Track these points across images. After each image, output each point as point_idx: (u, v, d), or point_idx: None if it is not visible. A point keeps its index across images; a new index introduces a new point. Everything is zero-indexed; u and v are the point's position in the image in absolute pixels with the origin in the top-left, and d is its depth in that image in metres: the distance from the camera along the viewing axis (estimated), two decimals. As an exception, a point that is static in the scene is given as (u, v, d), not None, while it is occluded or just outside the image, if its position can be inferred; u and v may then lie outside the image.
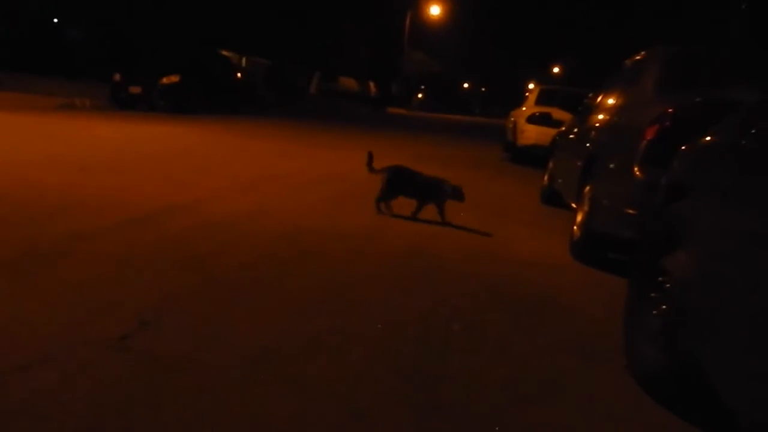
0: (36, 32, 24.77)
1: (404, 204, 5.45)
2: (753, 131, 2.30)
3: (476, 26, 63.59)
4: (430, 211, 5.43)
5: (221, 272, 3.38)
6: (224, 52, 22.02)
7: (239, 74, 21.34)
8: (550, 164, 7.90)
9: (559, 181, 6.89)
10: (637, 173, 4.02)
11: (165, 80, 14.74)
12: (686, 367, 2.29)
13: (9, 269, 3.05)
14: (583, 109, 6.73)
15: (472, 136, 23.16)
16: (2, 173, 5.36)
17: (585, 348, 3.02)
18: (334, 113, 26.67)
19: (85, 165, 6.18)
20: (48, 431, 1.80)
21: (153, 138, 9.86)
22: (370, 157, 5.34)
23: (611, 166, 4.58)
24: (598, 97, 6.33)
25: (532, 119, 11.94)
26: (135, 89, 14.57)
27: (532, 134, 12.33)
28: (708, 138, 2.76)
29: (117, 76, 14.62)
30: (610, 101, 5.67)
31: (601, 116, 5.64)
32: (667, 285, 2.61)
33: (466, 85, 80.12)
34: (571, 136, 6.76)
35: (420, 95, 58.08)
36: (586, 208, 4.86)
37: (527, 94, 19.25)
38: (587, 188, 4.98)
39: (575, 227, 5.10)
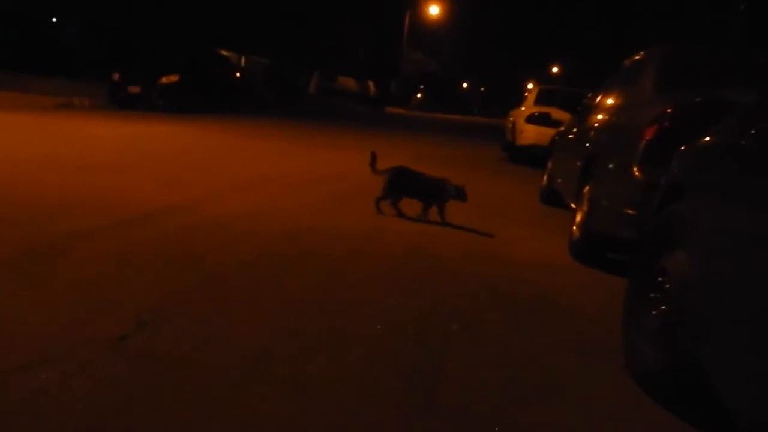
0: (34, 31, 24.74)
1: (404, 204, 5.45)
2: (752, 132, 2.30)
3: (475, 26, 63.58)
4: (430, 212, 5.43)
5: (221, 272, 3.39)
6: (223, 52, 22.00)
7: (238, 74, 21.34)
8: (549, 164, 7.91)
9: (559, 181, 6.90)
10: (636, 173, 4.03)
11: (164, 80, 14.72)
12: (685, 367, 2.29)
13: (8, 269, 3.05)
14: (582, 109, 6.74)
15: (471, 135, 23.17)
16: (1, 172, 5.36)
17: (584, 348, 3.02)
18: (333, 113, 26.66)
19: (85, 164, 6.17)
20: (47, 431, 1.80)
21: (152, 137, 9.86)
22: (373, 157, 5.34)
23: (610, 166, 4.59)
24: (597, 97, 6.33)
25: (531, 119, 11.96)
26: (134, 89, 14.55)
27: (531, 134, 12.34)
28: (707, 138, 2.76)
29: (116, 76, 14.60)
30: (609, 101, 5.68)
31: (600, 116, 5.64)
32: (667, 285, 2.61)
33: (465, 85, 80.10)
34: (570, 136, 6.77)
35: (419, 95, 58.02)
36: (585, 208, 4.87)
37: (526, 94, 19.26)
38: (586, 188, 4.99)
39: (574, 227, 5.11)
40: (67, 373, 2.09)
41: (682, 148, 3.00)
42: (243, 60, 29.82)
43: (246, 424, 1.95)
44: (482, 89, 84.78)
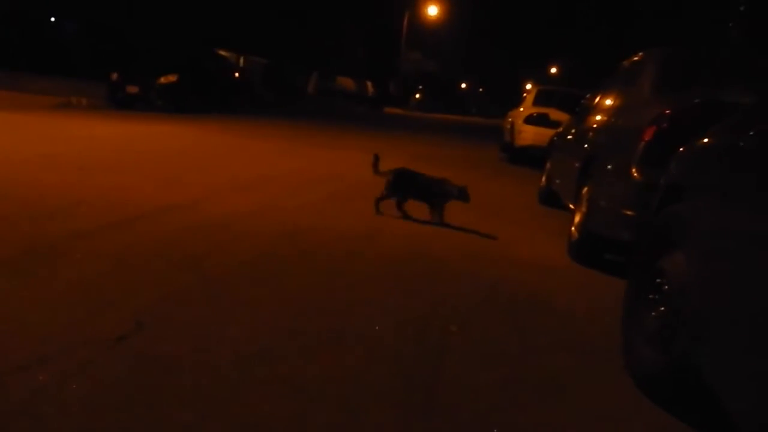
0: (33, 31, 24.72)
1: (405, 205, 5.45)
2: (751, 133, 2.30)
3: (474, 26, 63.61)
4: (427, 212, 5.43)
5: (220, 272, 3.38)
6: (222, 52, 21.99)
7: (237, 74, 21.33)
8: (548, 165, 7.91)
9: (557, 181, 6.90)
10: (635, 174, 4.03)
11: (163, 80, 14.71)
12: (684, 368, 2.30)
13: (7, 268, 3.05)
14: (581, 110, 6.74)
15: (470, 136, 23.18)
16: (1, 172, 5.35)
17: (583, 349, 3.03)
18: (332, 113, 26.66)
19: (84, 164, 6.17)
20: (46, 431, 1.80)
21: (151, 137, 9.85)
22: (376, 159, 5.34)
23: (609, 167, 4.59)
24: (595, 98, 6.34)
25: (529, 120, 11.97)
26: (132, 89, 14.53)
27: (529, 135, 12.35)
28: (706, 139, 2.77)
29: (114, 76, 14.58)
30: (608, 102, 5.68)
31: (598, 117, 5.65)
32: (665, 286, 2.62)
33: (463, 86, 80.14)
34: (569, 136, 6.77)
35: (417, 95, 58.06)
36: (583, 209, 4.87)
37: (525, 94, 19.28)
38: (585, 189, 4.99)
39: (573, 228, 5.11)
40: (66, 373, 2.08)
41: (681, 149, 3.00)
42: (242, 60, 29.79)
43: (245, 424, 1.95)
44: (481, 89, 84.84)
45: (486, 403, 2.31)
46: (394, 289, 3.51)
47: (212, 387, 2.13)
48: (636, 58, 5.55)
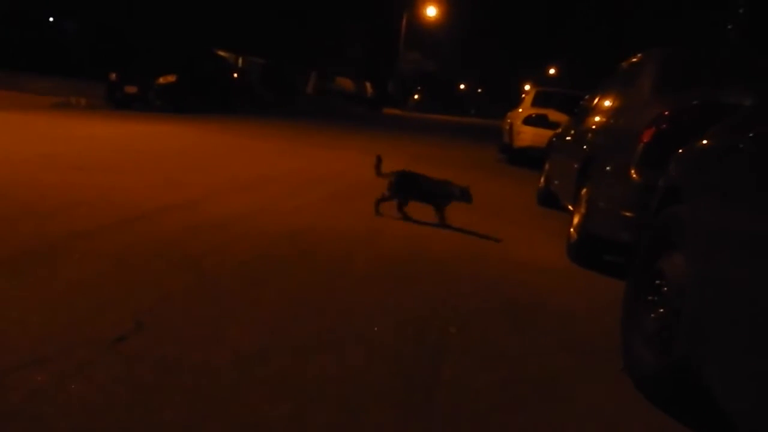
0: (32, 30, 24.70)
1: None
2: (750, 134, 2.30)
3: (473, 27, 63.60)
4: (427, 213, 5.43)
5: (219, 272, 3.38)
6: (221, 52, 21.99)
7: (236, 74, 21.34)
8: (546, 166, 7.92)
9: (556, 182, 6.90)
10: (634, 175, 4.03)
11: (161, 80, 14.70)
12: (683, 369, 2.30)
13: (6, 268, 3.04)
14: (580, 111, 6.75)
15: (468, 137, 23.19)
16: (0, 172, 5.35)
17: (582, 350, 3.03)
18: (331, 113, 26.67)
19: (83, 164, 6.16)
20: (46, 432, 1.79)
21: (150, 137, 9.84)
22: (379, 160, 5.34)
23: (608, 168, 4.59)
24: (594, 99, 6.34)
25: (528, 121, 11.99)
26: (131, 89, 14.52)
27: (528, 136, 12.36)
28: (705, 141, 2.77)
29: (113, 76, 14.57)
30: (607, 103, 5.68)
31: (597, 118, 5.65)
32: (665, 288, 2.62)
33: (462, 86, 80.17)
34: (568, 137, 6.77)
35: (416, 96, 58.09)
36: (582, 210, 4.87)
37: (523, 95, 19.29)
38: (584, 190, 4.99)
39: (572, 229, 5.11)
40: (65, 373, 2.08)
41: (680, 150, 3.00)
42: (240, 60, 29.82)
43: (245, 424, 1.95)
44: (480, 90, 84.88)
45: (485, 403, 2.31)
46: (393, 289, 3.51)
47: (212, 387, 2.13)
48: (635, 59, 5.55)
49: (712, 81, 4.67)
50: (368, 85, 43.37)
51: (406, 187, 5.37)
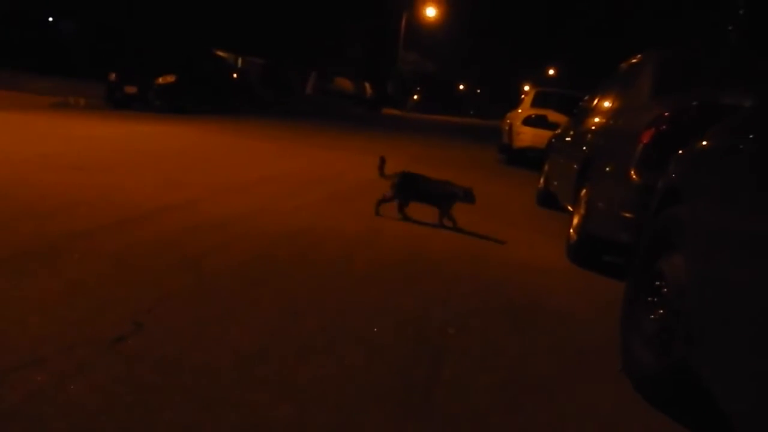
0: (32, 30, 24.69)
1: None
2: (750, 135, 2.31)
3: (472, 27, 63.58)
4: (426, 214, 5.44)
5: (218, 273, 3.38)
6: (220, 52, 21.98)
7: (235, 74, 21.32)
8: (546, 167, 7.92)
9: (555, 183, 6.91)
10: (634, 176, 4.04)
11: (161, 80, 14.69)
12: (683, 370, 2.30)
13: (6, 268, 3.04)
14: (579, 112, 6.75)
15: (468, 137, 23.19)
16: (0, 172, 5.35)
17: (581, 351, 3.03)
18: (330, 114, 26.67)
19: (82, 164, 6.15)
20: (45, 433, 1.79)
21: (150, 138, 9.84)
22: (383, 161, 5.34)
23: (607, 169, 4.60)
24: (594, 99, 6.35)
25: (527, 121, 12.00)
26: (130, 89, 14.51)
27: (527, 136, 12.37)
28: (704, 142, 2.77)
29: (113, 76, 14.55)
30: (606, 104, 5.69)
31: (597, 119, 5.65)
32: (664, 289, 2.62)
33: (461, 87, 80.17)
34: (567, 138, 6.78)
35: (415, 96, 58.06)
36: (582, 211, 4.87)
37: (523, 96, 19.30)
38: (583, 191, 4.99)
39: (571, 230, 5.11)
40: (64, 374, 2.08)
41: (680, 151, 3.01)
42: (240, 61, 29.81)
43: (244, 425, 1.95)
44: (479, 91, 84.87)
45: (485, 403, 2.32)
46: (393, 290, 3.52)
47: (212, 387, 2.13)
48: (634, 60, 5.55)
49: (712, 82, 4.67)
50: (367, 85, 43.39)
51: (409, 188, 5.37)
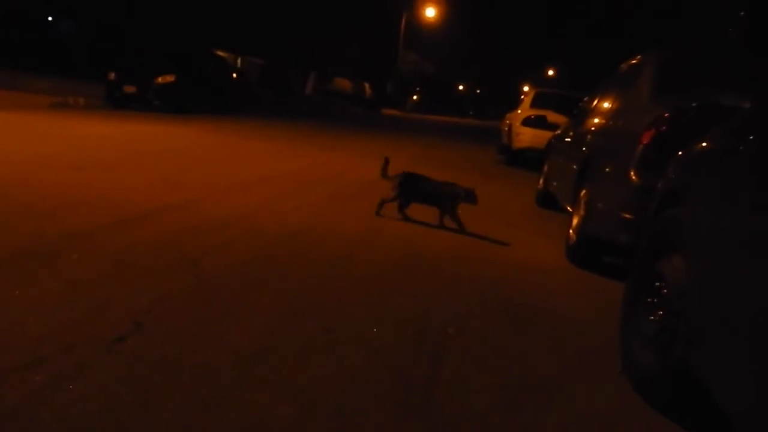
0: (31, 30, 24.69)
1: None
2: (750, 136, 2.31)
3: (472, 28, 63.59)
4: (426, 214, 5.44)
5: (218, 273, 3.38)
6: (220, 52, 21.97)
7: (235, 74, 21.30)
8: (545, 167, 7.92)
9: (555, 184, 6.90)
10: (633, 177, 4.03)
11: (160, 80, 14.68)
12: (682, 372, 2.30)
13: (6, 268, 3.03)
14: (579, 113, 6.75)
15: (467, 138, 23.20)
16: (-2, 172, 5.34)
17: (580, 352, 3.03)
18: (329, 114, 26.67)
19: (82, 164, 6.15)
20: (45, 433, 1.79)
21: (149, 137, 9.83)
22: (386, 162, 5.35)
23: (607, 170, 4.60)
24: (593, 100, 6.34)
25: (527, 122, 12.00)
26: (130, 88, 14.50)
27: (527, 137, 12.37)
28: (704, 143, 2.77)
29: (112, 75, 14.54)
30: (606, 105, 5.68)
31: (596, 120, 5.65)
32: (664, 290, 2.62)
33: (461, 87, 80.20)
34: (567, 139, 6.78)
35: (415, 97, 58.06)
36: (581, 212, 4.87)
37: (522, 96, 19.31)
38: (583, 192, 4.99)
39: (571, 231, 5.11)
40: (63, 374, 2.08)
41: (680, 152, 3.01)
42: (239, 61, 29.83)
43: (243, 425, 1.95)
44: (478, 91, 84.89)
45: (484, 404, 2.32)
46: (392, 290, 3.51)
47: (209, 389, 2.13)
48: (634, 61, 5.55)
49: (712, 83, 4.67)
50: (367, 85, 43.42)
51: (411, 189, 5.37)
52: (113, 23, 26.86)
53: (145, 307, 2.75)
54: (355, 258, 4.10)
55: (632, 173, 4.04)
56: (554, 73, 60.22)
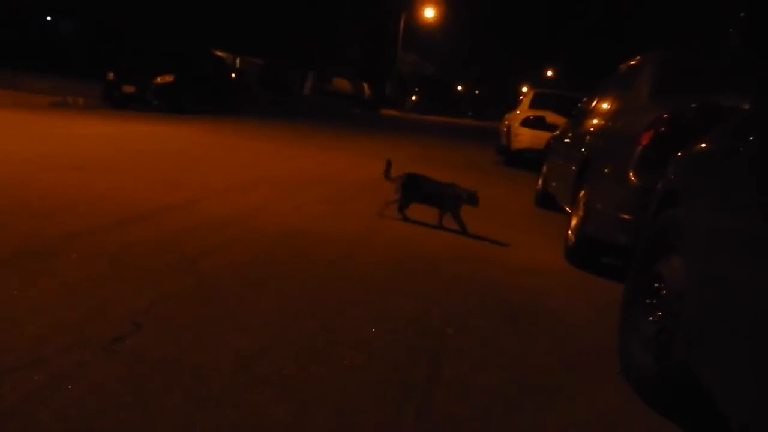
0: (30, 30, 24.68)
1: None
2: (749, 137, 2.31)
3: (471, 28, 63.66)
4: (426, 214, 5.44)
5: (217, 273, 3.38)
6: (218, 52, 21.97)
7: (233, 74, 21.30)
8: (544, 168, 7.93)
9: (554, 184, 6.91)
10: (632, 178, 4.04)
11: (159, 80, 14.68)
12: (681, 373, 2.30)
13: (5, 268, 3.03)
14: (578, 113, 6.75)
15: (466, 138, 23.21)
16: (-4, 172, 5.33)
17: (579, 353, 3.03)
18: (328, 114, 26.67)
19: (81, 164, 6.14)
20: (44, 433, 1.79)
21: (148, 137, 9.83)
22: (389, 164, 5.35)
23: (606, 170, 4.60)
24: (592, 101, 6.35)
25: (526, 122, 12.01)
26: (129, 88, 14.49)
27: (526, 137, 12.38)
28: (703, 144, 2.77)
29: (111, 75, 14.54)
30: (605, 106, 5.69)
31: (595, 121, 5.65)
32: (663, 291, 2.62)
33: (459, 88, 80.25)
34: (566, 140, 6.78)
35: (414, 97, 58.10)
36: (580, 212, 4.87)
37: (521, 97, 19.31)
38: (582, 193, 4.99)
39: (570, 232, 5.11)
40: (62, 374, 2.08)
41: (679, 153, 3.01)
42: (238, 61, 29.83)
43: (242, 426, 1.94)
44: (477, 92, 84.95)
45: (484, 405, 2.31)
46: (391, 290, 3.51)
47: (208, 389, 2.12)
48: (633, 62, 5.55)
49: (711, 84, 4.68)
50: (366, 86, 43.42)
51: (414, 189, 5.37)
52: (112, 23, 26.84)
53: (145, 307, 2.74)
54: (354, 258, 4.10)
55: (631, 174, 4.04)
56: (553, 73, 60.28)
